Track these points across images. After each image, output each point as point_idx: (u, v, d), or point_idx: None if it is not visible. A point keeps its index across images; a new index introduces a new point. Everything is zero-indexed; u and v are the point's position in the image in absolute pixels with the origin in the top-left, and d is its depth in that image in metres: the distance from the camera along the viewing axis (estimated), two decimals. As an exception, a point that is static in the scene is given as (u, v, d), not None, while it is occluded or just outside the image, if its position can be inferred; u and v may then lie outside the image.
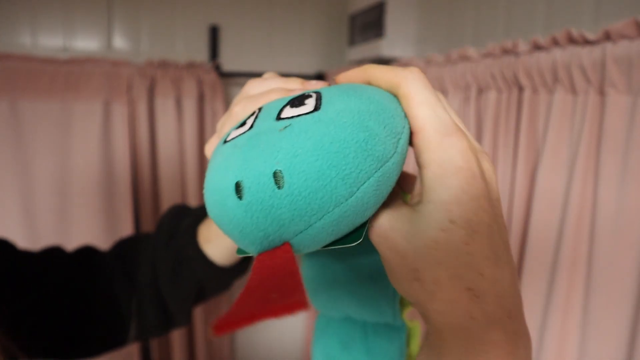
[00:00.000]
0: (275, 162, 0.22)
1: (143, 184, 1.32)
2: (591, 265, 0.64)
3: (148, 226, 1.34)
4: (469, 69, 0.83)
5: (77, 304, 0.52)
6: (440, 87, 0.92)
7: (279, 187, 0.22)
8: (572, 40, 0.64)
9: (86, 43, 1.31)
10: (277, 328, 1.64)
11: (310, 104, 0.25)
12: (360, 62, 1.30)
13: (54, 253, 0.55)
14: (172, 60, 1.29)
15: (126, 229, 1.30)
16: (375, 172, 0.23)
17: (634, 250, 0.58)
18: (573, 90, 0.65)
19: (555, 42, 0.66)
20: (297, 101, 0.26)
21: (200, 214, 0.55)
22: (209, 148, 0.35)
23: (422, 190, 0.25)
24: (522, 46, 0.72)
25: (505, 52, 0.75)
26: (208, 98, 1.36)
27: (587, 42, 0.62)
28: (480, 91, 0.83)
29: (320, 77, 1.49)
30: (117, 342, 0.55)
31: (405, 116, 0.26)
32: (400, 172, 0.26)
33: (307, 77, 1.49)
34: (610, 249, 0.61)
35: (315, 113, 0.24)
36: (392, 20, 1.13)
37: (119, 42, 1.34)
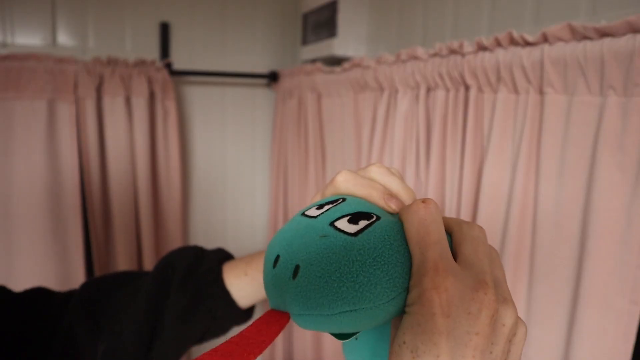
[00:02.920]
0: (299, 259, 0.29)
1: (92, 187, 1.28)
2: (534, 256, 0.67)
3: (97, 232, 1.30)
4: (418, 69, 0.85)
5: (24, 348, 0.49)
6: (390, 86, 0.94)
7: (293, 278, 0.28)
8: (513, 42, 0.66)
9: (28, 39, 1.25)
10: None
11: (360, 225, 0.29)
12: (313, 61, 1.31)
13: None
14: (120, 58, 1.25)
15: (75, 235, 1.25)
16: (362, 309, 0.27)
17: (572, 241, 0.62)
18: (515, 89, 0.68)
19: (498, 43, 0.68)
20: (355, 217, 0.30)
21: (220, 256, 0.57)
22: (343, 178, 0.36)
23: None
24: (468, 47, 0.74)
25: (452, 52, 0.77)
26: (159, 97, 1.33)
27: (527, 43, 0.64)
28: (429, 90, 0.86)
29: (273, 75, 1.49)
30: None
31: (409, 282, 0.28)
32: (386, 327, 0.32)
33: (260, 76, 1.49)
34: (551, 240, 0.65)
35: (351, 238, 0.28)
36: (344, 19, 1.14)
37: (64, 38, 1.29)
